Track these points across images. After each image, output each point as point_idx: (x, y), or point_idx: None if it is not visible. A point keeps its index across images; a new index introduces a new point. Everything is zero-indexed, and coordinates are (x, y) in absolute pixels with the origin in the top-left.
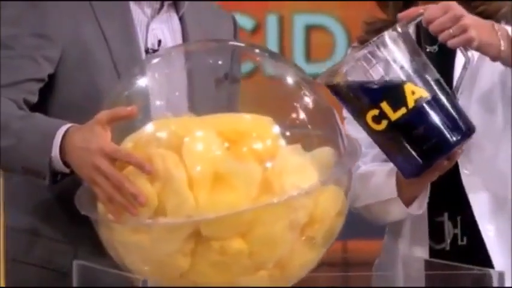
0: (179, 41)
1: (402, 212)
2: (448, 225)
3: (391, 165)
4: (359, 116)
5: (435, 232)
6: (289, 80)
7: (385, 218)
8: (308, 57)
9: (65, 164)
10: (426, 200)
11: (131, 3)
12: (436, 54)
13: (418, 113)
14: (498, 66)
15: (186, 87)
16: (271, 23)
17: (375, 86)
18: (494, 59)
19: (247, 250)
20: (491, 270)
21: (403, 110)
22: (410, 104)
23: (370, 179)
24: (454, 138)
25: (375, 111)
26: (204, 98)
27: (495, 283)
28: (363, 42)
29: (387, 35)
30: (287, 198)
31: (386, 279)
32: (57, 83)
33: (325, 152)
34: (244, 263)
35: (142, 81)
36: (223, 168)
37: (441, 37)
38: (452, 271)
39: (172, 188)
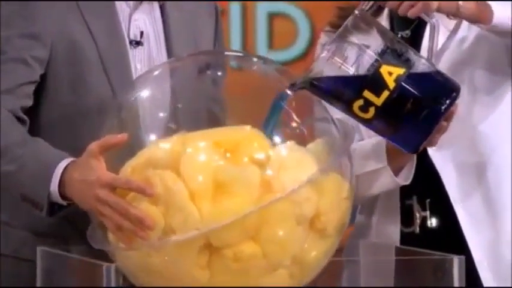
0: (160, 31)
1: (390, 182)
2: (417, 208)
3: (372, 140)
4: (346, 110)
5: (404, 215)
6: (273, 79)
7: (371, 190)
8: (271, 44)
9: (63, 197)
10: (413, 170)
11: None
12: (409, 39)
13: (401, 92)
14: (461, 35)
15: (170, 101)
16: (235, 11)
17: (352, 78)
18: (454, 16)
19: (261, 252)
20: (452, 256)
21: (386, 93)
22: (391, 85)
23: (355, 152)
24: (443, 103)
25: (360, 102)
26: (189, 106)
27: (456, 269)
28: (334, 26)
29: (349, 23)
30: (289, 192)
31: (350, 264)
32: (46, 81)
33: (320, 144)
34: (261, 265)
35: (135, 101)
36: (221, 177)
37: (400, 11)
38: (414, 256)
39: (175, 205)
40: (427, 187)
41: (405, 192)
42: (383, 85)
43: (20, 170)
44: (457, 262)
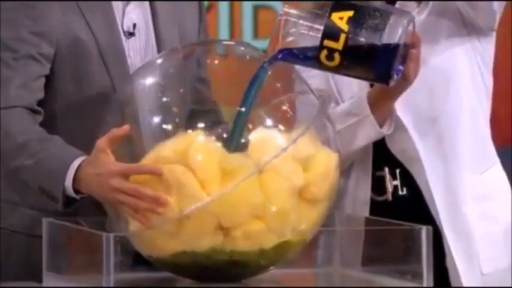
0: (150, 22)
1: (373, 131)
2: (388, 178)
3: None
4: (317, 65)
5: (377, 185)
6: (254, 59)
7: (355, 142)
8: (256, 34)
9: (76, 192)
10: (393, 122)
11: None
12: None
13: (354, 30)
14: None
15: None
16: (223, 4)
17: (312, 35)
18: None
19: (266, 227)
20: (420, 226)
21: (343, 36)
22: (344, 27)
23: (336, 110)
24: (397, 32)
25: (325, 52)
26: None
27: (424, 238)
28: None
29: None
30: (273, 157)
31: (327, 233)
32: (51, 75)
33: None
34: (268, 238)
35: (133, 94)
36: (227, 165)
37: None
38: (385, 227)
39: (187, 193)
40: (396, 158)
41: (377, 164)
42: (338, 30)
43: (37, 165)
44: (424, 232)
